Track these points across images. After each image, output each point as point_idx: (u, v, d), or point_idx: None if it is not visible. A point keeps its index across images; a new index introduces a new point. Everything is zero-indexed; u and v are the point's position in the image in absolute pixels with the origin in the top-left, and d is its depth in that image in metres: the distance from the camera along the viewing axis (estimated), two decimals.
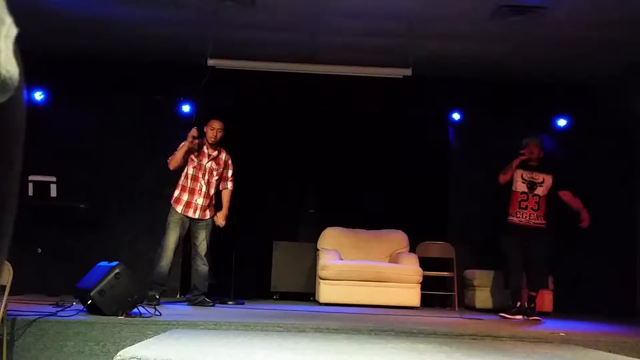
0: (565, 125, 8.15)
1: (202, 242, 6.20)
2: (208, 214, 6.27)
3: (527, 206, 6.47)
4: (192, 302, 6.19)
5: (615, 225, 7.75)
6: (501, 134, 7.80)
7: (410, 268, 7.24)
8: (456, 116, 8.20)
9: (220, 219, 6.31)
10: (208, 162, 6.27)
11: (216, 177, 6.31)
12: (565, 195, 6.52)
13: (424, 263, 7.46)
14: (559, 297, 7.38)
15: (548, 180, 6.50)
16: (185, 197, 6.19)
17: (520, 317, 6.37)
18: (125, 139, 7.69)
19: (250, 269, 7.90)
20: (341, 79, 7.46)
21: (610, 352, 4.36)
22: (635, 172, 7.74)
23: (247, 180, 8.02)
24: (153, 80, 7.80)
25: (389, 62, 7.09)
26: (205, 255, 6.21)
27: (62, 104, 7.65)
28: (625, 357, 3.97)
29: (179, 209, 6.15)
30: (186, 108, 7.77)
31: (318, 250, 7.68)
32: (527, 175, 6.52)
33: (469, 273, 7.68)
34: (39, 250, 6.69)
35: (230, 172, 6.42)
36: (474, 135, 8.18)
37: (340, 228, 7.88)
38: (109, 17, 6.60)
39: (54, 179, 6.80)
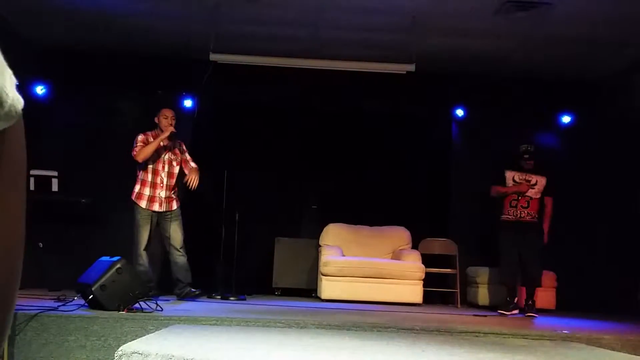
0: (569, 122, 8.13)
1: (174, 234, 6.14)
2: (175, 205, 6.22)
3: (517, 205, 6.61)
4: (180, 296, 6.16)
5: (618, 222, 7.72)
6: (505, 131, 7.77)
7: (413, 265, 7.22)
8: (459, 112, 8.18)
9: (195, 180, 6.03)
10: (165, 154, 6.22)
11: (177, 167, 6.26)
12: (548, 202, 6.59)
13: (427, 260, 7.44)
14: (562, 294, 7.37)
15: (541, 181, 6.59)
16: (147, 191, 6.14)
17: (516, 311, 6.41)
18: (127, 134, 7.66)
19: (252, 265, 7.89)
20: (344, 74, 7.43)
21: (613, 349, 4.35)
22: (639, 169, 7.70)
23: (249, 176, 8.01)
24: (155, 74, 7.78)
25: (393, 58, 7.05)
26: (181, 247, 6.15)
27: (63, 98, 7.63)
28: (628, 355, 3.95)
29: (143, 204, 6.11)
30: (188, 103, 7.74)
31: (320, 246, 7.67)
32: (519, 177, 6.64)
33: (471, 270, 7.66)
34: (40, 244, 6.68)
35: (187, 155, 6.32)
36: (478, 131, 8.15)
37: (343, 224, 7.86)
38: (111, 11, 6.58)
39: (55, 173, 6.79)
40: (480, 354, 3.60)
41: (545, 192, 6.60)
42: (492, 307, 7.13)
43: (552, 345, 4.27)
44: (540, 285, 6.71)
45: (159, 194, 6.15)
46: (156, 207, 6.14)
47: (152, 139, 6.15)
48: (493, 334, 4.69)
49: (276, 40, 7.14)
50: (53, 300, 5.12)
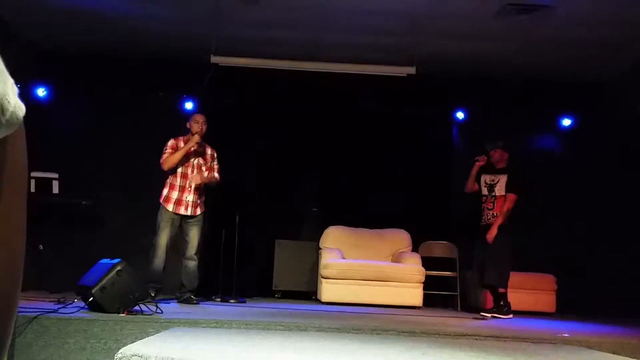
0: (570, 125, 8.12)
1: (192, 239, 6.17)
2: (199, 210, 6.23)
3: (484, 207, 6.61)
4: (179, 300, 6.16)
5: (619, 225, 7.71)
6: (505, 134, 7.76)
7: (413, 267, 7.21)
8: (460, 115, 8.17)
9: (197, 177, 6.15)
10: (195, 159, 6.24)
11: (205, 173, 6.28)
12: (508, 197, 6.49)
13: (427, 263, 7.43)
14: (562, 297, 7.36)
15: (503, 179, 6.56)
16: (175, 195, 6.16)
17: (511, 316, 6.35)
18: (128, 136, 7.67)
19: (252, 268, 7.89)
20: (344, 77, 7.43)
21: (613, 353, 4.34)
22: None
23: (249, 178, 8.01)
24: (156, 77, 7.78)
25: (393, 60, 7.06)
26: (196, 253, 6.18)
27: (65, 100, 7.64)
28: (628, 359, 3.95)
29: (170, 207, 6.13)
30: (189, 105, 7.75)
31: (320, 249, 7.66)
32: (489, 179, 6.67)
33: (471, 273, 7.63)
34: (41, 246, 6.68)
35: (217, 166, 6.36)
36: (478, 134, 8.13)
37: (343, 227, 7.85)
38: (113, 14, 6.59)
39: (56, 175, 6.79)
40: (480, 357, 3.60)
41: (506, 188, 6.56)
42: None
43: (552, 349, 4.26)
44: (495, 286, 6.44)
45: (186, 197, 6.17)
46: (182, 211, 6.15)
47: (182, 144, 6.19)
48: (493, 337, 4.68)
49: (277, 43, 7.15)
50: (53, 303, 5.11)
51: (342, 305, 6.81)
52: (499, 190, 6.54)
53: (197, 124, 6.19)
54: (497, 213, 6.49)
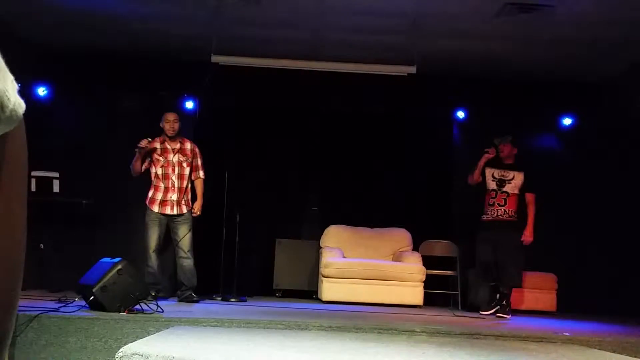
0: (570, 124, 8.12)
1: (183, 237, 6.19)
2: (185, 209, 6.25)
3: (494, 202, 6.52)
4: (180, 298, 6.20)
5: (620, 225, 7.71)
6: (506, 133, 7.76)
7: (414, 266, 7.21)
8: (460, 114, 8.17)
9: (196, 209, 6.28)
10: (174, 156, 6.26)
11: (187, 168, 6.29)
12: (529, 198, 6.47)
13: (427, 262, 7.43)
14: (563, 296, 7.36)
15: (518, 177, 6.50)
16: (159, 196, 6.20)
17: (509, 317, 6.34)
18: (128, 135, 7.66)
19: (252, 267, 7.89)
20: (345, 76, 7.43)
21: (614, 352, 4.34)
22: None
23: (250, 177, 8.02)
24: (157, 76, 7.78)
25: (393, 59, 7.06)
26: (188, 251, 6.19)
27: (65, 100, 7.64)
28: (629, 358, 3.96)
29: (155, 208, 6.18)
30: (190, 104, 7.75)
31: (321, 248, 7.67)
32: (497, 173, 6.58)
33: (472, 272, 7.64)
34: (42, 246, 6.69)
35: (200, 161, 6.38)
36: (479, 133, 8.13)
37: (344, 226, 7.86)
38: (113, 13, 6.59)
39: (56, 174, 6.79)
40: (480, 356, 3.60)
41: (524, 188, 6.51)
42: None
43: (553, 348, 4.27)
44: (517, 286, 6.50)
45: (171, 197, 6.21)
46: (168, 210, 6.20)
47: (158, 145, 6.23)
48: (493, 336, 4.68)
49: (277, 42, 7.15)
50: (54, 302, 5.13)
51: (343, 304, 6.81)
52: (513, 188, 6.47)
53: (169, 123, 6.24)
54: (510, 210, 6.45)
